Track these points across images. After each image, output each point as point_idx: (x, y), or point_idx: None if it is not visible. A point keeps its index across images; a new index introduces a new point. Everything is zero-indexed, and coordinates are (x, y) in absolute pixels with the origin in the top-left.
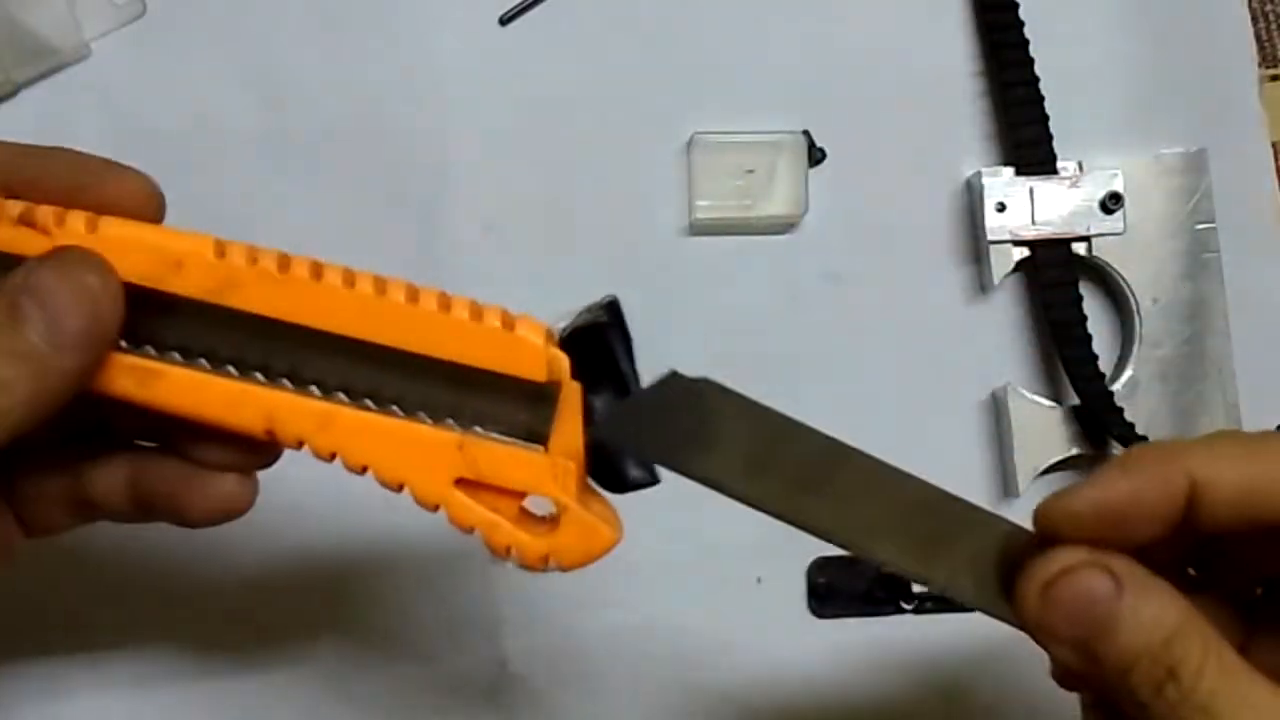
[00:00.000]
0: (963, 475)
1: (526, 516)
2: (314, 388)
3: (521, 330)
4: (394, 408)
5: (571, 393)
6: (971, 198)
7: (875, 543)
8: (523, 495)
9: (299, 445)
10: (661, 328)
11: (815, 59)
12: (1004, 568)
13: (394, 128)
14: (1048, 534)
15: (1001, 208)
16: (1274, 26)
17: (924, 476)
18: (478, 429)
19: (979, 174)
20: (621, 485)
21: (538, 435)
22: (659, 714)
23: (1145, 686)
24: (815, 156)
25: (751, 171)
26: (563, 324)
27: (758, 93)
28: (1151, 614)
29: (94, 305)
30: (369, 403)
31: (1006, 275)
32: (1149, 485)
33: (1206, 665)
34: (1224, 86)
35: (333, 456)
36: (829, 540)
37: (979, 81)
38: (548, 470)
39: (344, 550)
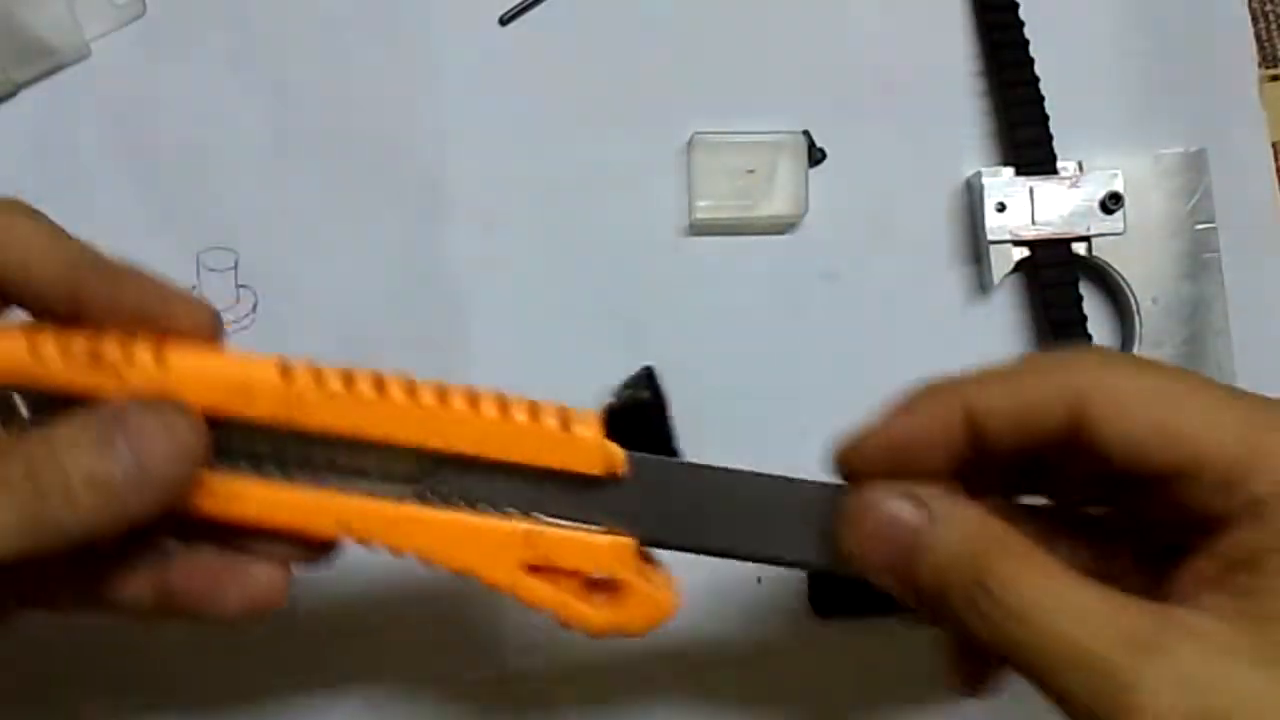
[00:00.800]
0: None
1: (590, 589)
2: (383, 487)
3: (578, 429)
4: (460, 503)
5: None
6: (971, 198)
7: (737, 543)
8: (585, 573)
9: (369, 544)
10: (661, 328)
11: (815, 59)
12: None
13: (394, 128)
14: (847, 477)
15: (1001, 208)
16: (1274, 26)
17: None
18: (538, 514)
19: (979, 174)
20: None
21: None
22: (660, 714)
23: (960, 602)
24: (815, 156)
25: (751, 171)
26: (609, 399)
27: (758, 93)
28: (958, 533)
29: (182, 451)
30: (436, 501)
31: (1006, 275)
32: (929, 420)
33: (1019, 575)
34: (1224, 86)
35: (403, 553)
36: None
37: (979, 81)
38: (608, 551)
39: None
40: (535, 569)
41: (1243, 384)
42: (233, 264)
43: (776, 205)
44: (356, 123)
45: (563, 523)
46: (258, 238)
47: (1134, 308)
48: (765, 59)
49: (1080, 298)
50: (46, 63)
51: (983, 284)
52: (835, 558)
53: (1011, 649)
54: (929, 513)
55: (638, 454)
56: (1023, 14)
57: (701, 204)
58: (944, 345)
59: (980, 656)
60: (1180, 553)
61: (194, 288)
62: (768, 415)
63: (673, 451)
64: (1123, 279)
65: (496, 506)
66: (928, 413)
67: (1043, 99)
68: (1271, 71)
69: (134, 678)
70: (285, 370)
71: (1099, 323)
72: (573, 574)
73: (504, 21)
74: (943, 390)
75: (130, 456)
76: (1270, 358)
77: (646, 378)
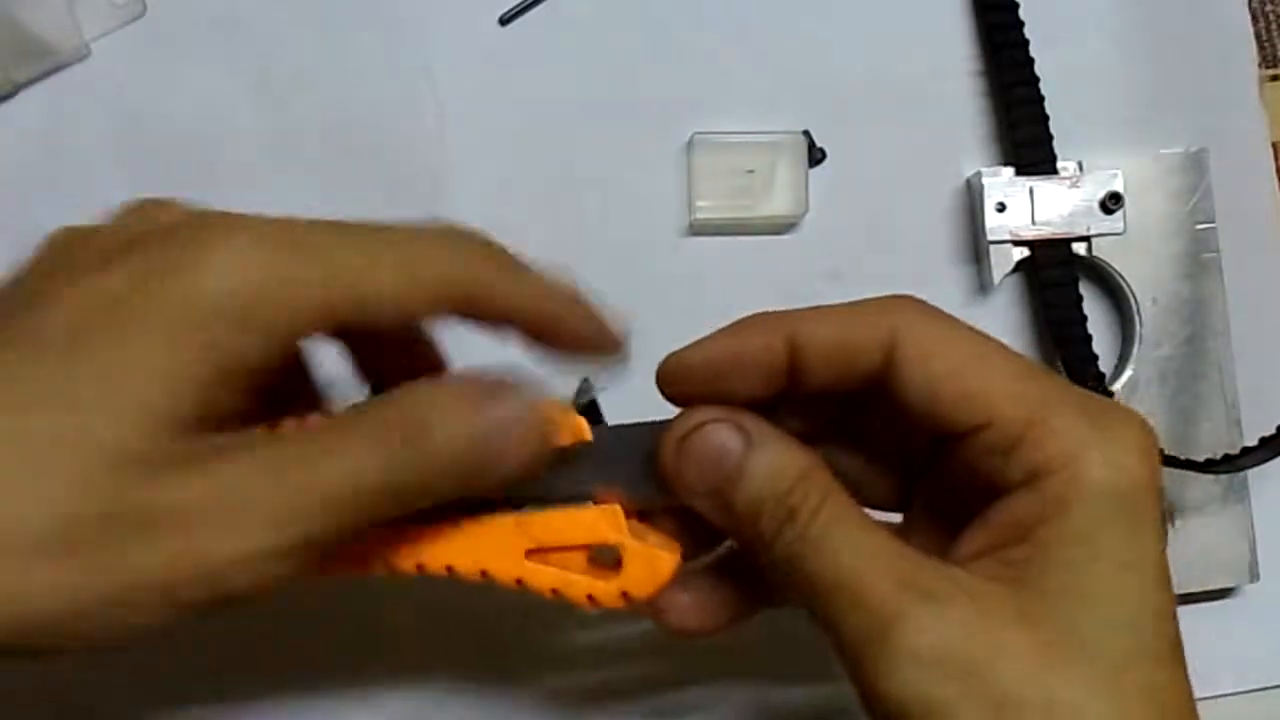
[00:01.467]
0: None
1: (594, 564)
2: None
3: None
4: (449, 511)
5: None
6: (971, 198)
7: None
8: (585, 548)
9: (386, 570)
10: (661, 328)
11: (815, 59)
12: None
13: (394, 127)
14: (664, 387)
15: (1001, 208)
16: (1274, 26)
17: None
18: (527, 507)
19: (979, 174)
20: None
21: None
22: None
23: (769, 529)
24: (815, 156)
25: (751, 171)
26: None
27: (758, 93)
28: (776, 463)
29: (540, 437)
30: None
31: (1006, 275)
32: (751, 344)
33: (822, 508)
34: (1224, 86)
35: (418, 568)
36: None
37: (979, 81)
38: (597, 518)
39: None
40: (538, 553)
41: (1242, 384)
42: None
43: (776, 205)
44: (356, 122)
45: (546, 507)
46: None
47: (1134, 308)
48: (765, 59)
49: (1080, 298)
50: (46, 63)
51: (983, 284)
52: (659, 486)
53: (802, 577)
54: (749, 438)
55: (595, 425)
56: (1023, 14)
57: (701, 204)
58: None
59: (752, 590)
60: (967, 519)
61: None
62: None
63: None
64: (1123, 279)
65: (489, 507)
66: (751, 337)
67: (1043, 99)
68: (1271, 71)
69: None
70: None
71: (1099, 323)
72: (571, 550)
73: (504, 21)
74: (769, 318)
75: (505, 427)
76: (1270, 358)
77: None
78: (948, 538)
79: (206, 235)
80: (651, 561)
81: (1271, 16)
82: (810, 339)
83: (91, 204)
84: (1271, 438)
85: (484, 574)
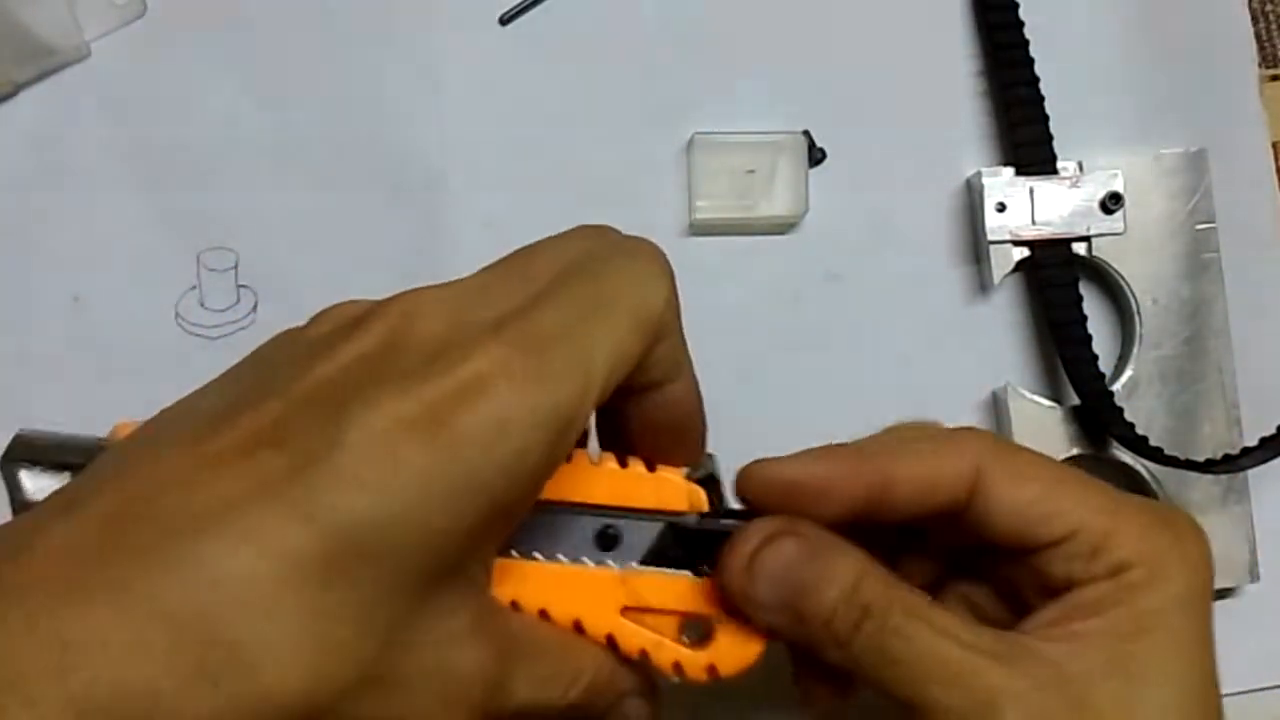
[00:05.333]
0: None
1: (685, 633)
2: None
3: (663, 471)
4: (559, 556)
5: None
6: (971, 198)
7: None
8: (681, 615)
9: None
10: None
11: (815, 59)
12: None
13: (394, 127)
14: (745, 494)
15: (1001, 208)
16: (1274, 26)
17: None
18: (634, 564)
19: (979, 174)
20: None
21: (691, 559)
22: None
23: (844, 629)
24: (815, 156)
25: (751, 171)
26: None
27: (758, 93)
28: (841, 567)
29: None
30: (537, 555)
31: (1006, 275)
32: (838, 472)
33: (894, 600)
34: (1224, 86)
35: (513, 604)
36: None
37: (979, 81)
38: (702, 592)
39: None
40: (634, 612)
41: (1243, 384)
42: (233, 264)
43: (776, 205)
44: (356, 122)
45: (657, 568)
46: (258, 238)
47: (1134, 308)
48: (765, 59)
49: (1080, 298)
50: (46, 63)
51: (983, 284)
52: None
53: (887, 668)
54: (812, 546)
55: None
56: (1023, 14)
57: (701, 204)
58: (944, 345)
59: (833, 680)
60: (1022, 611)
61: (194, 288)
62: (768, 415)
63: None
64: (1123, 279)
65: (595, 557)
66: (838, 465)
67: (1043, 99)
68: (1271, 71)
69: None
70: None
71: (1099, 323)
72: (667, 615)
73: (504, 21)
74: (861, 452)
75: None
76: (1270, 358)
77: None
78: (981, 614)
79: None
80: (742, 642)
81: (1271, 16)
82: (903, 476)
83: (91, 203)
84: (1271, 438)
85: (577, 623)
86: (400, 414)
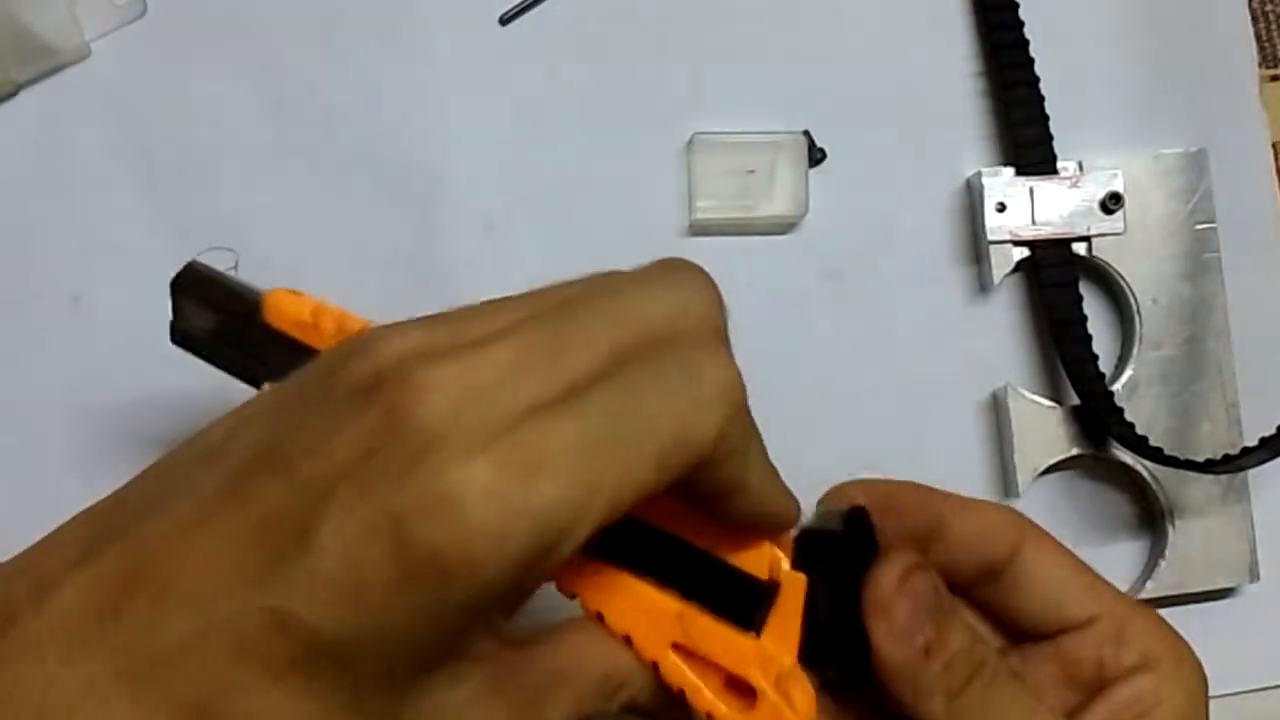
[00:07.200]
0: (963, 475)
1: (729, 688)
2: None
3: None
4: (625, 565)
5: (793, 592)
6: (971, 198)
7: None
8: (726, 672)
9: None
10: None
11: (815, 59)
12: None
13: (394, 127)
14: (879, 510)
15: (1001, 208)
16: (1274, 26)
17: (925, 476)
18: (698, 603)
19: (979, 174)
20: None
21: (753, 620)
22: None
23: (959, 678)
24: (815, 156)
25: (751, 171)
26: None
27: (758, 93)
28: (967, 616)
29: None
30: (605, 556)
31: (1006, 275)
32: (904, 503)
33: (1000, 661)
34: (1224, 86)
35: (574, 596)
36: None
37: (979, 81)
38: (754, 656)
39: None
40: (685, 651)
41: (1242, 384)
42: (233, 264)
43: (776, 205)
44: (356, 122)
45: (719, 617)
46: (258, 238)
47: (1134, 308)
48: (765, 59)
49: (1080, 298)
50: (46, 63)
51: (983, 284)
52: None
53: None
54: (948, 594)
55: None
56: (1023, 14)
57: (701, 204)
58: (944, 345)
59: None
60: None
61: None
62: (768, 415)
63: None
64: (1123, 279)
65: (661, 582)
66: (900, 493)
67: (1043, 99)
68: (1271, 71)
69: None
70: None
71: (1099, 323)
72: (714, 666)
73: (504, 21)
74: (914, 485)
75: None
76: (1270, 358)
77: (850, 517)
78: None
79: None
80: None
81: (1271, 16)
82: (958, 521)
83: (91, 203)
84: (1271, 438)
85: (628, 638)
86: (371, 520)
